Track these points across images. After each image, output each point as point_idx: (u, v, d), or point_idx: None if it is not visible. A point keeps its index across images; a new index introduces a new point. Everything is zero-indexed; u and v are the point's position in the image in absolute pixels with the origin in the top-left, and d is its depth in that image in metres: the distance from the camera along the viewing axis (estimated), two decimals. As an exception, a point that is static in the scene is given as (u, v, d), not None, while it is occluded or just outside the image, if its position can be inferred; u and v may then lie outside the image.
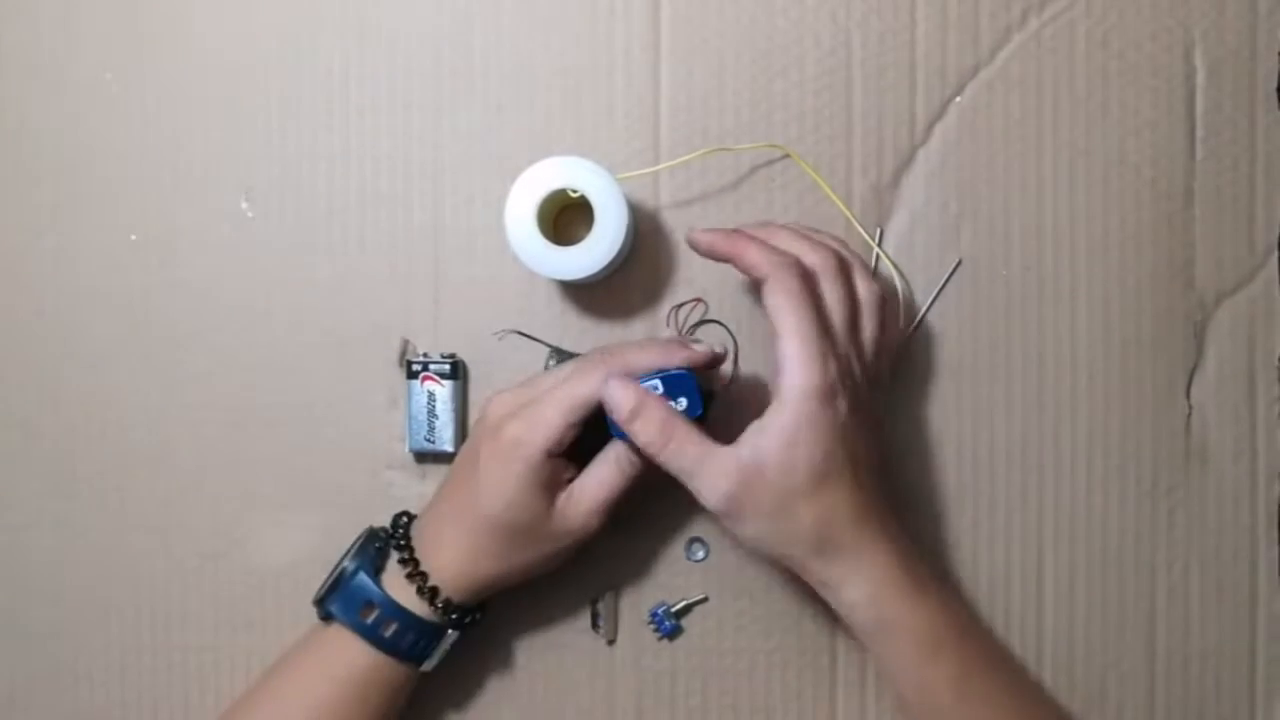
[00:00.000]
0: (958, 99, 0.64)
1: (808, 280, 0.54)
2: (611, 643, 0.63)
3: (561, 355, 0.62)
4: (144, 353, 0.64)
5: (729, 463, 0.52)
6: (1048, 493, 0.63)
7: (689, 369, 0.55)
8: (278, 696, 0.57)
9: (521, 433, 0.54)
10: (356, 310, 0.64)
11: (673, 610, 0.63)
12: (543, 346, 0.62)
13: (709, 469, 0.52)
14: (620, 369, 0.54)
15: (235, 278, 0.64)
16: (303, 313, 0.64)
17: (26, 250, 0.64)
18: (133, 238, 0.64)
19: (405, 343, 0.63)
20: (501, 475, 0.54)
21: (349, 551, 0.58)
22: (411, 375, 0.61)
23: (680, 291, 0.63)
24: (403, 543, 0.57)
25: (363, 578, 0.56)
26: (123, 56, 0.64)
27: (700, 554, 0.63)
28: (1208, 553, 0.63)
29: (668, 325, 0.63)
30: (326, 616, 0.57)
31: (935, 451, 0.63)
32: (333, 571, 0.58)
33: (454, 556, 0.56)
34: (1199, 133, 0.64)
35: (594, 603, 0.63)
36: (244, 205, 0.64)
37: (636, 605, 0.63)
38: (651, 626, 0.63)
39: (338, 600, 0.56)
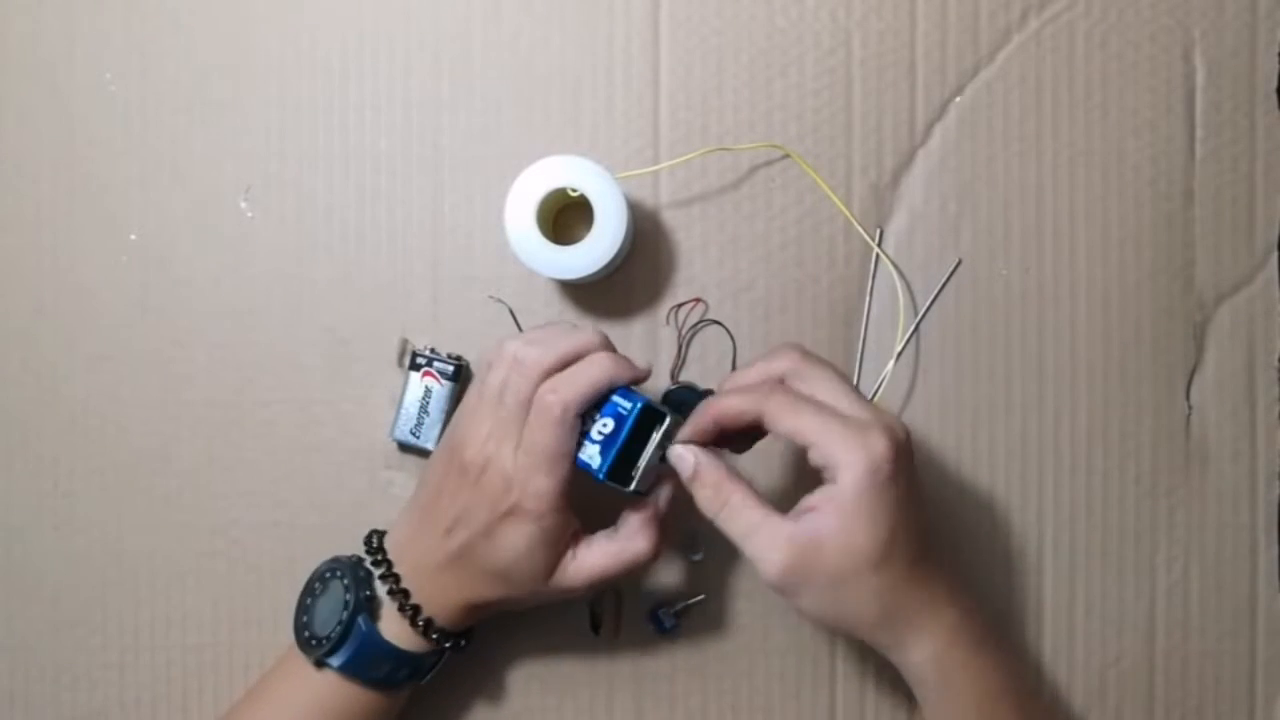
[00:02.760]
0: (958, 99, 0.64)
1: (789, 391, 0.52)
2: (612, 643, 0.63)
3: None
4: (144, 352, 0.64)
5: (784, 535, 0.49)
6: (1048, 493, 0.63)
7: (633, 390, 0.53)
8: None
9: (523, 500, 0.52)
10: (356, 309, 0.64)
11: (673, 610, 0.63)
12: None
13: (763, 539, 0.50)
14: (574, 407, 0.51)
15: (235, 277, 0.64)
16: (302, 311, 0.64)
17: (26, 250, 0.64)
18: (133, 238, 0.64)
19: (404, 342, 0.63)
20: (513, 535, 0.52)
21: (327, 591, 0.56)
22: (414, 367, 0.61)
23: (680, 291, 0.63)
24: (394, 585, 0.55)
25: (370, 632, 0.54)
26: (123, 56, 0.64)
27: (699, 554, 0.63)
28: (1208, 553, 0.63)
29: (667, 324, 0.63)
30: (322, 664, 0.55)
31: (935, 451, 0.63)
32: (321, 618, 0.55)
33: (452, 598, 0.55)
34: (1199, 133, 0.64)
35: (594, 603, 0.63)
36: (244, 205, 0.64)
37: (636, 605, 0.63)
38: (651, 627, 0.63)
39: (345, 657, 0.54)
